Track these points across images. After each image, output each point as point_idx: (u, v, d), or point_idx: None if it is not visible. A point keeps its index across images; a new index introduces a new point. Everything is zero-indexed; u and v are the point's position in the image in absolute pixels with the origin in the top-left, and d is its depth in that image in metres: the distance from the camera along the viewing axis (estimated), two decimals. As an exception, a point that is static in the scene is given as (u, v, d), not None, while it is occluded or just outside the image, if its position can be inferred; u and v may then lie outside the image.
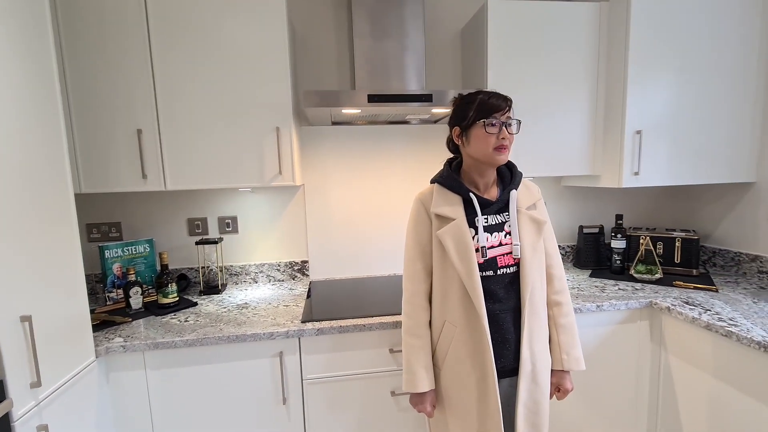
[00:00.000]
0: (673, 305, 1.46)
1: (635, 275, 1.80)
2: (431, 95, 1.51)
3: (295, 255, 1.99)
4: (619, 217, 1.92)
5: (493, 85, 1.68)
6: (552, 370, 1.13)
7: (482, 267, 1.06)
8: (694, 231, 1.89)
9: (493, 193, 1.13)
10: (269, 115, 1.57)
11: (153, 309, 1.59)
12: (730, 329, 1.24)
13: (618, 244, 1.89)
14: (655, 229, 2.00)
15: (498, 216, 1.10)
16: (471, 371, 1.06)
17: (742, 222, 1.84)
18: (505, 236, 1.08)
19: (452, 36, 1.97)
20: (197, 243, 1.76)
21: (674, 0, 1.61)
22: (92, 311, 1.54)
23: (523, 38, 1.69)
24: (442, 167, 1.18)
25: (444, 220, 1.09)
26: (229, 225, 1.92)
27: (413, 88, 1.73)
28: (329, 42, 1.90)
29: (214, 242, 1.77)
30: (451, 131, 1.13)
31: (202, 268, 1.83)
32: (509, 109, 1.05)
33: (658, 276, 1.76)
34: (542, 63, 1.71)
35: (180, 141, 1.53)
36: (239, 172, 1.58)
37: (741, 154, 1.74)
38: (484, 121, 1.03)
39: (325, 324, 1.38)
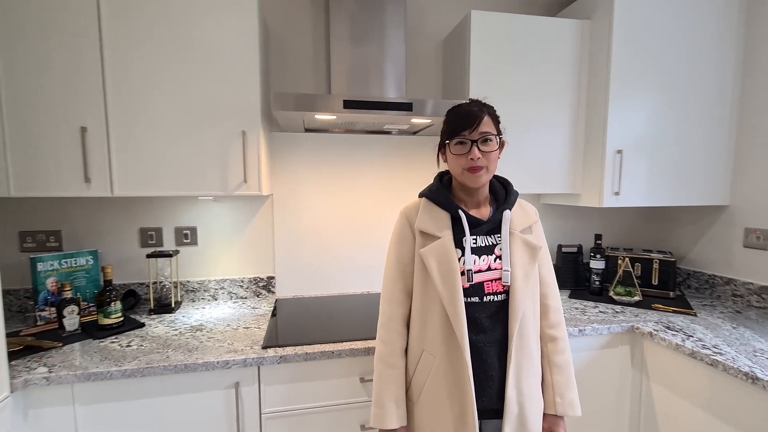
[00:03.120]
0: (655, 330, 1.41)
1: (614, 297, 1.75)
2: (411, 104, 1.43)
3: (261, 270, 1.83)
4: (598, 237, 1.88)
5: (474, 95, 1.61)
6: (543, 414, 1.01)
7: (467, 292, 0.95)
8: (670, 252, 1.88)
9: (484, 213, 1.03)
10: (235, 118, 1.43)
11: (91, 331, 1.39)
12: (715, 358, 1.19)
13: (597, 264, 1.85)
14: (632, 249, 1.98)
15: (488, 237, 1.00)
16: (449, 408, 0.95)
17: (716, 245, 1.85)
18: (495, 260, 0.98)
19: (434, 46, 1.91)
20: (149, 256, 1.58)
21: (655, 21, 1.61)
22: (16, 333, 1.34)
23: (505, 51, 1.64)
24: (428, 181, 1.10)
25: (429, 237, 0.99)
26: (187, 236, 1.74)
27: (392, 96, 1.65)
28: (306, 45, 1.79)
29: (168, 255, 1.59)
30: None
31: (154, 283, 1.64)
32: (479, 124, 0.94)
33: (637, 298, 1.72)
34: (524, 77, 1.67)
35: (132, 142, 1.37)
36: (200, 179, 1.44)
37: (716, 177, 1.75)
38: (448, 142, 0.98)
39: (289, 351, 1.23)
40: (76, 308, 1.39)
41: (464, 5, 1.92)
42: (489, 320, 0.96)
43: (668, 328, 1.44)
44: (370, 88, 1.63)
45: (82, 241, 1.66)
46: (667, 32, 1.63)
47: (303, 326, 1.44)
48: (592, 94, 1.71)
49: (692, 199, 1.74)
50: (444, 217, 1.00)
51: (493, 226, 1.00)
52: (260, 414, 1.24)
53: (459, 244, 0.98)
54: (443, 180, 1.07)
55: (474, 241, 0.99)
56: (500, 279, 0.96)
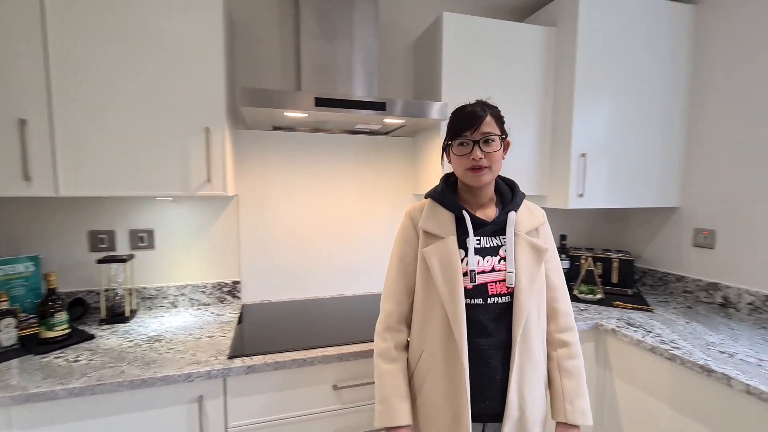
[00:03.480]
0: (618, 327, 1.47)
1: (578, 295, 1.82)
2: (384, 103, 1.41)
3: (225, 275, 1.74)
4: (563, 237, 1.95)
5: (446, 97, 1.62)
6: (556, 423, 0.98)
7: (470, 293, 0.94)
8: (628, 252, 1.98)
9: (490, 214, 1.02)
10: (198, 113, 1.35)
11: (31, 346, 1.25)
12: (673, 352, 1.25)
13: (563, 264, 1.91)
14: (593, 249, 2.07)
15: (493, 239, 0.99)
16: (443, 411, 0.93)
17: (668, 244, 1.96)
18: (500, 261, 0.96)
19: (406, 46, 1.90)
20: (99, 261, 1.45)
21: (615, 31, 1.68)
22: (-60, 352, 1.18)
23: (476, 54, 1.65)
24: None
25: (432, 237, 0.98)
26: (143, 239, 1.62)
27: (363, 94, 1.61)
28: (273, 39, 1.72)
29: (122, 260, 1.47)
30: None
31: (106, 291, 1.51)
32: (481, 125, 0.94)
33: (599, 296, 1.79)
34: (494, 81, 1.69)
35: (81, 137, 1.25)
36: (158, 178, 1.34)
37: (668, 181, 1.86)
38: (450, 142, 0.99)
39: (258, 360, 1.17)
40: (13, 321, 1.24)
41: (435, 7, 1.92)
42: (493, 323, 0.94)
43: (629, 324, 1.50)
44: (341, 85, 1.59)
45: (20, 245, 1.50)
46: (626, 42, 1.71)
47: (272, 333, 1.38)
48: (558, 98, 1.76)
49: (647, 200, 1.84)
50: (448, 218, 0.99)
51: (498, 228, 0.99)
52: (226, 429, 1.16)
53: (463, 244, 0.96)
54: (449, 181, 1.07)
55: (478, 241, 0.97)
56: (504, 280, 0.95)
